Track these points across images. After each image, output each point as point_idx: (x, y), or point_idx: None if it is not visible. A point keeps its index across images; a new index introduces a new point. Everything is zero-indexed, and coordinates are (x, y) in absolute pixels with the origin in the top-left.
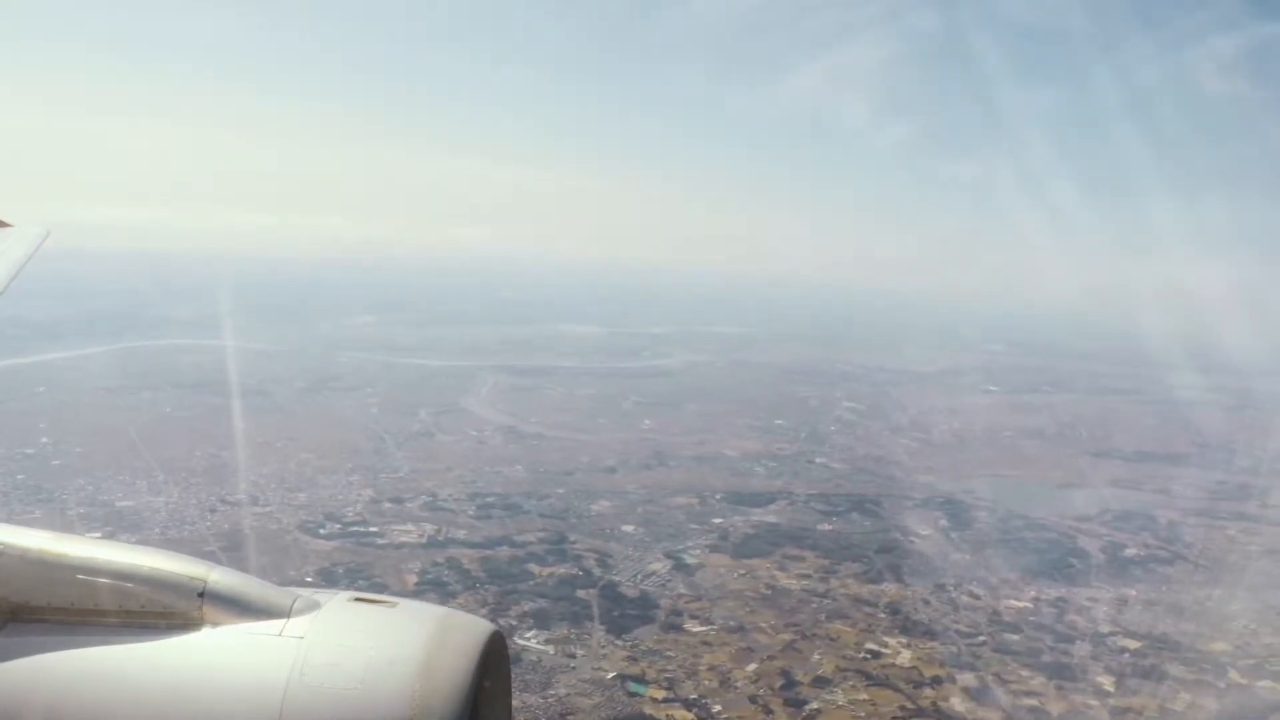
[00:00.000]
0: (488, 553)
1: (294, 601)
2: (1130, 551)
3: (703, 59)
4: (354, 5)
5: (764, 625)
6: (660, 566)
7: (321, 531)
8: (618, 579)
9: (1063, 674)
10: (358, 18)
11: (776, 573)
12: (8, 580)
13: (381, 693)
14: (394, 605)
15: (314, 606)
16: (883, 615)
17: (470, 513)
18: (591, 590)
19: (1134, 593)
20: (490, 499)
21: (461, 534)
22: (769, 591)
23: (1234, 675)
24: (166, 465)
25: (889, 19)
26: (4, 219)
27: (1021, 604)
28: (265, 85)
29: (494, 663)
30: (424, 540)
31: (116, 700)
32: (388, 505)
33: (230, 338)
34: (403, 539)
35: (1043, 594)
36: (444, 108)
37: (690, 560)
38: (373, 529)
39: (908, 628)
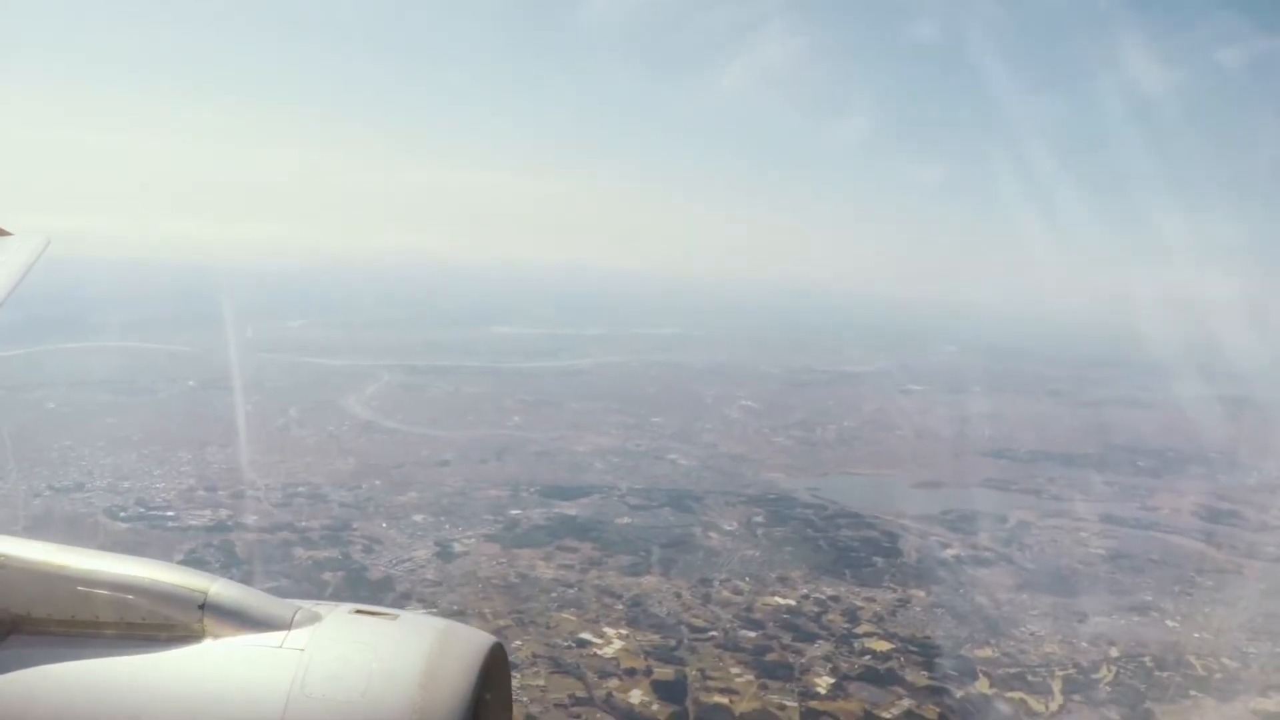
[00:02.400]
0: (266, 536)
1: (295, 613)
2: (950, 552)
3: (667, 53)
4: (289, 16)
5: (486, 611)
6: (424, 553)
7: (122, 515)
8: (373, 564)
9: (778, 673)
10: (294, 27)
11: (539, 562)
12: (9, 592)
13: (383, 705)
14: (395, 617)
15: (315, 618)
16: (621, 607)
17: (274, 500)
18: (339, 573)
19: (922, 594)
20: (301, 489)
21: (251, 519)
22: (517, 580)
23: (981, 685)
24: (20, 456)
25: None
26: (4, 227)
27: (784, 601)
28: (207, 92)
29: (495, 674)
30: (212, 524)
31: (117, 713)
32: (201, 493)
33: (152, 340)
34: (192, 522)
35: (817, 592)
36: (397, 114)
37: (459, 548)
38: (170, 513)
39: (638, 620)
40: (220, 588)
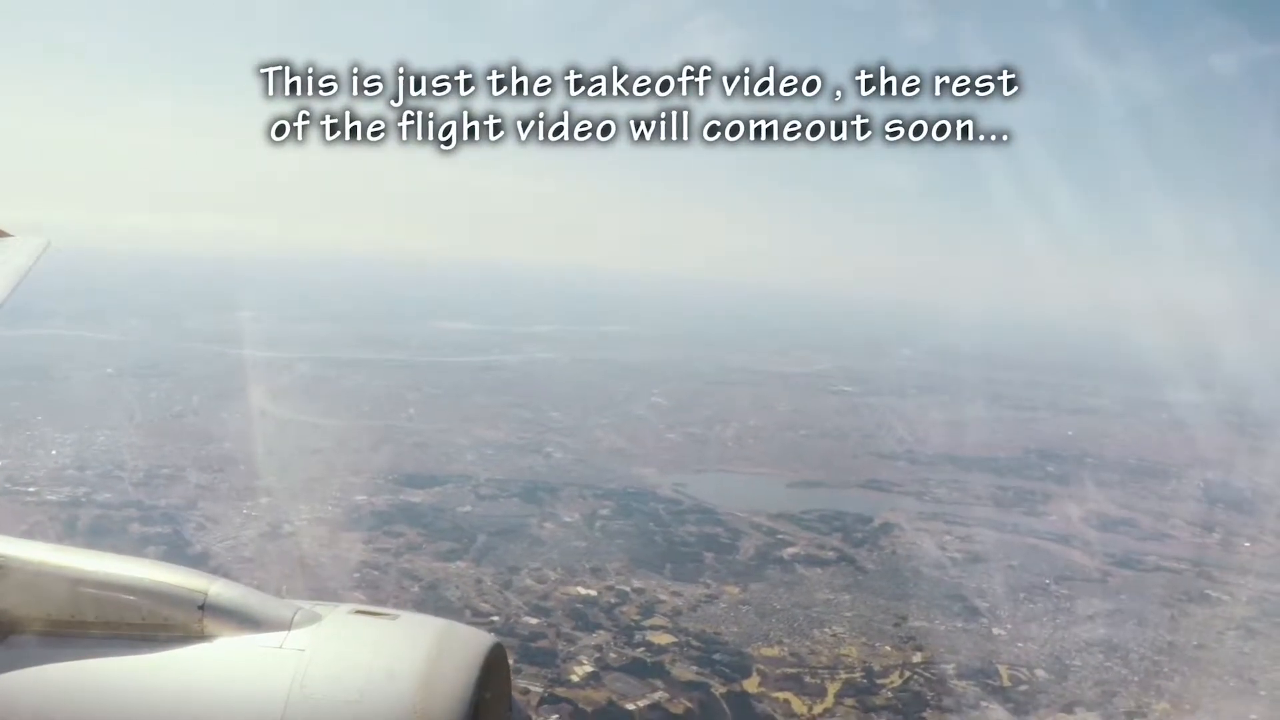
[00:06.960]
0: (111, 512)
1: (295, 614)
2: (792, 550)
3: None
4: None
5: (284, 587)
6: (253, 533)
7: None
8: (198, 540)
9: (538, 659)
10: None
11: (359, 545)
12: (7, 593)
13: (382, 705)
14: (395, 617)
15: (315, 619)
16: (416, 590)
17: (135, 480)
18: (161, 548)
19: (736, 590)
20: (165, 470)
21: (106, 497)
22: (328, 560)
23: (750, 683)
24: None
25: None
26: (3, 228)
27: (585, 592)
28: (191, 80)
29: (494, 675)
30: (67, 500)
31: (117, 713)
32: (71, 471)
33: (94, 329)
34: (50, 498)
35: (623, 585)
36: None
37: (287, 530)
38: (31, 489)
39: (425, 602)
40: (220, 588)
